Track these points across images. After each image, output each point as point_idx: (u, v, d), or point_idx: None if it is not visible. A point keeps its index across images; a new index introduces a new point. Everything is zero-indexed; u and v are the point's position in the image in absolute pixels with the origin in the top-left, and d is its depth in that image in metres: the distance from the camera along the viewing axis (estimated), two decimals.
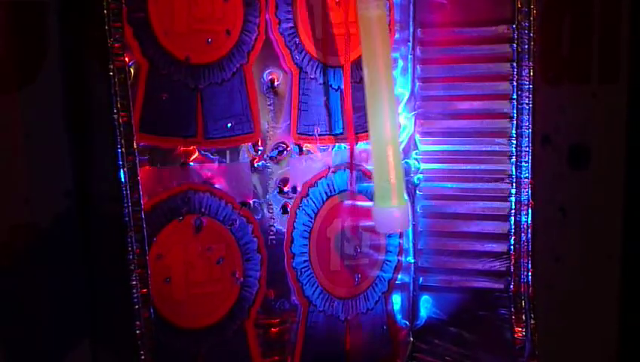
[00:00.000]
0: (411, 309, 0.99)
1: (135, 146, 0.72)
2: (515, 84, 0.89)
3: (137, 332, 0.73)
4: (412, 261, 0.99)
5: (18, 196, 0.83)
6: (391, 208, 0.84)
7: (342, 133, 0.92)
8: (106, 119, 0.72)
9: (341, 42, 0.90)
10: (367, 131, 0.92)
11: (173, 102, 0.81)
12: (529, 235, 0.90)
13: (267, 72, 0.87)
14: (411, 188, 0.97)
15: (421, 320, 0.99)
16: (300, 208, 0.90)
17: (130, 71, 0.77)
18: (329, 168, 0.92)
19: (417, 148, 0.97)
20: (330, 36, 0.89)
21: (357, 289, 0.95)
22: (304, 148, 0.90)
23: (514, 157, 0.90)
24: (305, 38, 0.88)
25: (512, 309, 0.91)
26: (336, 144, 0.92)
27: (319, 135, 0.90)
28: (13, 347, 0.84)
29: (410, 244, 0.98)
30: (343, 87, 0.91)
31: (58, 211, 0.85)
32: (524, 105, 0.89)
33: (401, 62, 0.96)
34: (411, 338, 0.99)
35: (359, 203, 0.94)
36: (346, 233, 0.93)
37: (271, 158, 0.88)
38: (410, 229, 0.98)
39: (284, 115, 0.88)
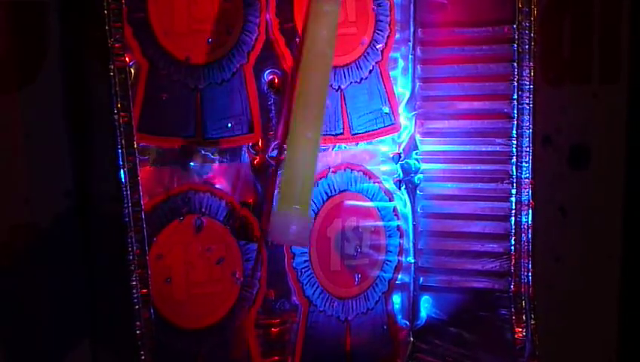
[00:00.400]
0: (411, 309, 0.99)
1: (135, 146, 0.72)
2: (515, 84, 0.89)
3: (137, 332, 0.73)
4: (412, 261, 0.99)
5: (18, 196, 0.83)
6: (289, 215, 0.76)
7: (342, 133, 0.92)
8: (106, 119, 0.72)
9: (341, 42, 0.89)
10: (368, 131, 0.93)
11: (173, 103, 0.81)
12: (529, 235, 0.90)
13: (267, 72, 0.87)
14: (412, 188, 0.97)
15: (421, 321, 0.99)
16: None
17: (130, 71, 0.77)
18: (329, 168, 0.92)
19: (418, 149, 0.97)
20: None
21: (357, 289, 0.95)
22: None
23: (514, 157, 0.90)
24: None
25: (513, 309, 0.91)
26: (337, 144, 0.92)
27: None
28: (13, 347, 0.84)
29: (411, 244, 0.98)
30: (342, 87, 0.91)
31: (58, 211, 0.85)
32: (525, 106, 0.89)
33: (401, 63, 0.96)
34: (411, 339, 0.99)
35: (359, 203, 0.94)
36: (347, 233, 0.93)
37: (271, 158, 0.88)
38: (410, 229, 0.98)
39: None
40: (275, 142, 0.88)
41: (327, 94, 0.88)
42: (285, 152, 0.78)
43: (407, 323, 0.99)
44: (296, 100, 0.79)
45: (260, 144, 0.87)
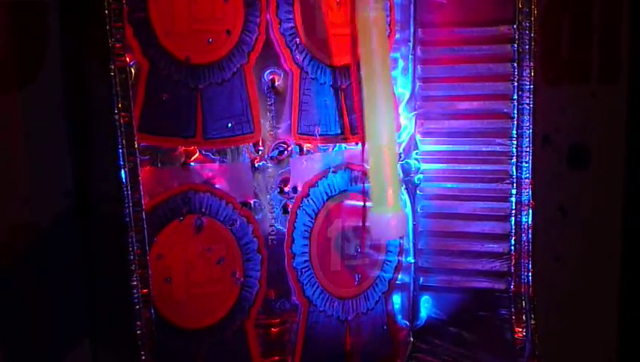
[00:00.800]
0: (411, 309, 0.99)
1: (136, 146, 0.72)
2: (515, 84, 0.89)
3: (138, 332, 0.73)
4: (412, 261, 0.99)
5: (18, 196, 0.83)
6: (386, 215, 0.84)
7: (342, 133, 0.92)
8: (106, 119, 0.72)
9: (341, 42, 0.90)
10: None
11: (174, 103, 0.81)
12: (529, 235, 0.91)
13: (268, 72, 0.87)
14: (412, 188, 0.97)
15: (421, 320, 0.99)
16: (301, 208, 0.90)
17: (130, 71, 0.77)
18: (329, 168, 0.92)
19: (418, 149, 0.97)
20: (331, 36, 0.89)
21: (357, 289, 0.95)
22: (305, 148, 0.90)
23: (514, 157, 0.90)
24: (305, 38, 0.88)
25: (513, 309, 0.91)
26: (337, 144, 0.92)
27: (320, 135, 0.90)
28: (13, 347, 0.84)
29: (411, 244, 0.98)
30: (343, 86, 0.91)
31: (58, 211, 0.85)
32: (525, 106, 0.89)
33: (401, 63, 0.96)
34: (411, 339, 1.00)
35: (359, 203, 0.94)
36: (347, 233, 0.93)
37: (271, 158, 0.88)
38: (410, 229, 0.98)
39: (285, 115, 0.88)
40: (276, 142, 0.88)
41: (329, 94, 0.90)
42: (368, 162, 0.86)
43: (407, 323, 0.99)
44: (366, 111, 0.85)
45: (260, 144, 0.87)
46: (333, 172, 0.92)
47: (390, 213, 0.84)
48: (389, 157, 0.84)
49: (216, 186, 0.85)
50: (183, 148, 0.82)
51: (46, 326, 0.85)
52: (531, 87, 0.89)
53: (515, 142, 0.90)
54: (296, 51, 0.87)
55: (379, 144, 0.84)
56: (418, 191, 0.98)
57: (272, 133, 0.87)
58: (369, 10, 0.82)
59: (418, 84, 0.96)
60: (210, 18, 0.82)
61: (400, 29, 0.95)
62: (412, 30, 0.96)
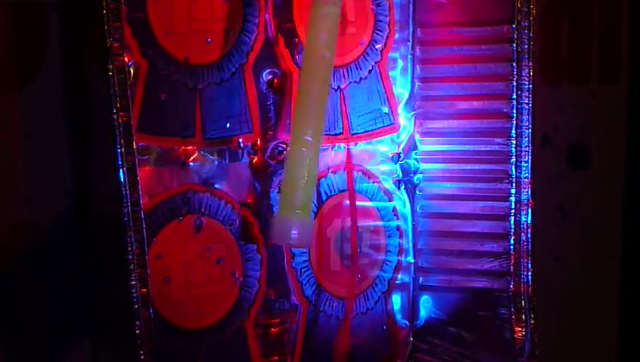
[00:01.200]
0: (411, 309, 0.99)
1: (135, 146, 0.72)
2: (514, 84, 0.89)
3: (137, 332, 0.73)
4: (412, 261, 0.99)
5: (18, 196, 0.83)
6: (290, 218, 0.78)
7: (342, 133, 0.92)
8: (105, 119, 0.72)
9: (340, 42, 0.89)
10: (367, 131, 0.93)
11: (173, 102, 0.81)
12: (529, 235, 0.90)
13: (267, 72, 0.87)
14: (411, 188, 0.97)
15: (421, 320, 0.99)
16: None
17: (129, 71, 0.77)
18: (329, 168, 0.92)
19: (417, 148, 0.97)
20: None
21: (357, 289, 0.95)
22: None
23: (513, 157, 0.90)
24: (304, 38, 0.88)
25: (512, 309, 0.91)
26: (336, 144, 0.92)
27: None
28: (13, 347, 0.84)
29: (410, 244, 0.98)
30: (342, 86, 0.91)
31: (58, 211, 0.85)
32: (524, 105, 0.89)
33: (400, 62, 0.96)
34: (411, 338, 0.99)
35: (360, 203, 0.94)
36: (346, 233, 0.93)
37: (270, 158, 0.88)
38: (410, 229, 0.98)
39: (284, 115, 0.88)
40: (275, 142, 0.88)
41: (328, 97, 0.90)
42: (287, 156, 0.80)
43: (407, 322, 0.99)
44: (296, 104, 0.80)
45: (258, 144, 0.87)
46: (332, 172, 0.92)
47: (296, 218, 0.78)
48: (309, 159, 0.79)
49: (216, 186, 0.85)
50: (182, 148, 0.82)
51: (46, 326, 0.85)
52: (530, 86, 0.89)
53: (514, 142, 0.90)
54: (295, 51, 0.87)
55: (300, 143, 0.79)
56: (417, 191, 0.98)
57: (270, 133, 0.87)
58: (325, 6, 0.79)
59: (417, 83, 0.96)
60: (209, 18, 0.82)
61: (399, 29, 0.95)
62: (411, 30, 0.96)
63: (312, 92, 0.79)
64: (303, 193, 0.78)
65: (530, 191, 0.90)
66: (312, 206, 0.81)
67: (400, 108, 0.96)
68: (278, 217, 0.79)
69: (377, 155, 0.96)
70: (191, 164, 0.83)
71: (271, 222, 0.81)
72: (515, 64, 0.89)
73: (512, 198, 0.91)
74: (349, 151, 0.92)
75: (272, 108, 0.87)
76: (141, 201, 0.73)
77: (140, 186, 0.73)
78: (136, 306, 0.73)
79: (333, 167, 0.92)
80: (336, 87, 0.91)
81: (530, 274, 0.91)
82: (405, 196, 0.97)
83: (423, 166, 0.97)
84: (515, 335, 0.90)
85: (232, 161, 0.86)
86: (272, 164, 0.88)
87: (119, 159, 0.71)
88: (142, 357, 0.73)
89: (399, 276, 0.98)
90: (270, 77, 0.87)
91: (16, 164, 0.83)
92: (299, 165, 0.78)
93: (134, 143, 0.72)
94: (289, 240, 0.78)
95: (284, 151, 0.88)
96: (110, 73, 0.70)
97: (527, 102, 0.89)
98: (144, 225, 0.73)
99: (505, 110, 0.90)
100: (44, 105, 0.84)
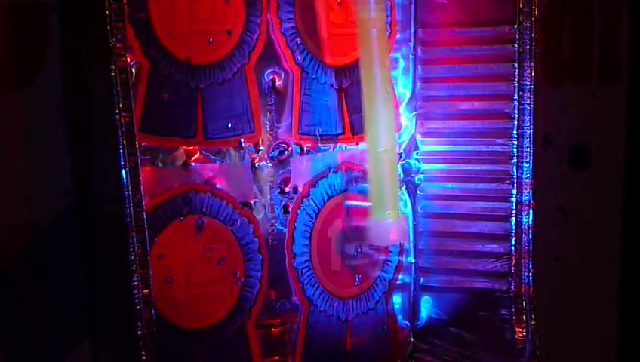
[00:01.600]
0: (412, 309, 0.99)
1: (137, 146, 0.72)
2: (516, 84, 0.89)
3: (138, 332, 0.73)
4: (413, 261, 0.99)
5: (18, 196, 0.83)
6: (387, 220, 0.84)
7: (343, 133, 0.92)
8: (107, 119, 0.72)
9: (342, 42, 0.90)
10: None
11: (174, 103, 0.81)
12: (530, 236, 0.91)
13: (268, 72, 0.87)
14: (412, 189, 0.97)
15: (422, 321, 0.99)
16: (301, 208, 0.90)
17: (131, 71, 0.77)
18: (330, 168, 0.92)
19: (418, 149, 0.97)
20: (332, 36, 0.89)
21: (358, 289, 0.95)
22: (305, 148, 0.90)
23: (515, 157, 0.90)
24: (306, 38, 0.88)
25: (513, 309, 0.91)
26: (338, 144, 0.92)
27: (320, 135, 0.90)
28: (13, 347, 0.84)
29: (411, 244, 0.98)
30: (343, 86, 0.91)
31: (58, 211, 0.85)
32: (525, 106, 0.89)
33: (402, 63, 0.96)
34: (412, 339, 1.00)
35: (360, 203, 0.94)
36: (347, 233, 0.93)
37: (272, 158, 0.88)
38: (411, 229, 0.98)
39: (286, 115, 0.88)
40: (276, 143, 0.87)
41: (329, 94, 0.90)
42: (367, 167, 0.87)
43: (408, 323, 0.99)
44: (366, 114, 0.85)
45: (260, 144, 0.87)
46: (333, 172, 0.92)
47: (390, 218, 0.85)
48: (389, 162, 0.84)
49: (217, 186, 0.84)
50: (184, 148, 0.82)
51: (46, 326, 0.85)
52: (532, 87, 0.89)
53: (515, 143, 0.90)
54: (297, 51, 0.87)
55: (378, 148, 0.84)
56: (418, 192, 0.98)
57: (272, 133, 0.87)
58: (369, 11, 0.82)
59: (419, 84, 0.96)
60: (211, 18, 0.82)
61: (401, 29, 0.95)
62: (413, 30, 0.96)
63: (378, 100, 0.84)
64: (389, 195, 0.85)
65: (531, 192, 0.90)
66: (399, 204, 0.87)
67: (401, 109, 0.96)
68: (373, 222, 0.86)
69: None
70: (192, 164, 0.83)
71: (369, 228, 0.86)
72: (516, 64, 0.89)
73: (514, 199, 0.91)
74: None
75: (273, 108, 0.87)
76: (143, 202, 0.73)
77: (141, 186, 0.72)
78: (138, 307, 0.73)
79: (334, 167, 0.92)
80: (337, 87, 0.91)
81: (531, 274, 0.91)
82: (406, 196, 0.97)
83: (424, 166, 0.97)
84: (516, 336, 0.91)
85: (234, 161, 0.85)
86: (274, 164, 0.88)
87: (122, 159, 0.71)
88: (143, 357, 0.73)
89: (400, 276, 0.98)
90: (272, 77, 0.87)
91: (17, 164, 0.82)
92: (380, 171, 0.85)
93: (137, 143, 0.71)
94: (389, 241, 0.88)
95: (286, 152, 0.88)
96: (112, 73, 0.70)
97: (528, 102, 0.89)
98: (146, 226, 0.73)
99: (506, 110, 0.90)
100: (44, 105, 0.83)
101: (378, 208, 0.85)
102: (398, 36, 0.95)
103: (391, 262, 0.97)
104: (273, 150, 0.88)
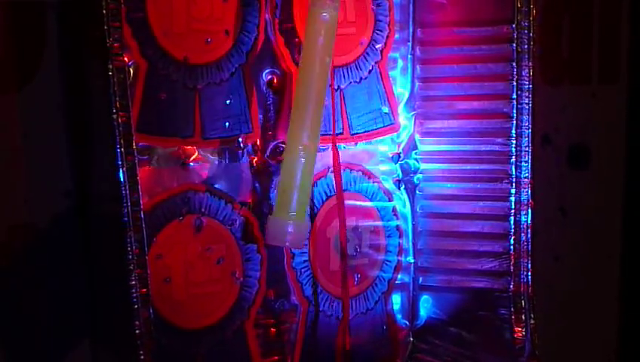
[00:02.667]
0: (411, 309, 0.99)
1: (134, 146, 0.72)
2: (514, 84, 0.89)
3: (137, 332, 0.73)
4: (412, 261, 0.99)
5: (17, 196, 0.83)
6: (286, 221, 0.80)
7: (341, 133, 0.92)
8: (105, 119, 0.72)
9: (340, 42, 0.90)
10: (368, 131, 0.93)
11: (172, 102, 0.81)
12: (529, 235, 0.90)
13: (266, 72, 0.87)
14: (411, 188, 0.97)
15: (421, 320, 0.99)
16: None
17: (129, 71, 0.77)
18: (328, 168, 0.92)
19: (417, 148, 0.97)
20: None
21: (357, 289, 0.95)
22: None
23: (514, 157, 0.90)
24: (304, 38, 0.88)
25: (512, 309, 0.91)
26: (336, 144, 0.92)
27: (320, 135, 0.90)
28: (13, 347, 0.84)
29: (410, 244, 0.98)
30: (342, 87, 0.91)
31: (57, 211, 0.85)
32: (524, 105, 0.89)
33: (400, 62, 0.96)
34: (411, 338, 0.99)
35: (359, 203, 0.94)
36: (346, 233, 0.93)
37: (270, 158, 0.88)
38: (410, 229, 0.98)
39: (284, 115, 0.88)
40: (274, 142, 0.88)
41: (328, 94, 0.90)
42: (283, 159, 0.81)
43: (407, 322, 0.99)
44: (294, 108, 0.81)
45: (258, 144, 0.87)
46: (332, 172, 0.92)
47: (290, 220, 0.80)
48: (305, 163, 0.80)
49: (216, 186, 0.85)
50: (182, 148, 0.82)
51: (46, 326, 0.85)
52: (530, 86, 0.89)
53: (514, 142, 0.90)
54: (295, 51, 0.87)
55: (296, 146, 0.80)
56: (417, 191, 0.98)
57: (270, 132, 0.87)
58: (324, 9, 0.80)
59: (417, 83, 0.96)
60: (209, 18, 0.82)
61: (399, 29, 0.95)
62: (411, 30, 0.96)
63: (309, 96, 0.80)
64: (298, 196, 0.79)
65: (530, 191, 0.90)
66: (307, 209, 0.82)
67: (400, 108, 0.96)
68: (272, 220, 0.81)
69: (377, 155, 0.96)
70: (191, 163, 0.83)
71: (266, 223, 0.82)
72: (515, 64, 0.89)
73: (512, 198, 0.91)
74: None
75: (271, 108, 0.87)
76: (141, 201, 0.73)
77: (140, 186, 0.73)
78: (136, 306, 0.73)
79: (332, 167, 0.92)
80: (336, 87, 0.91)
81: (530, 274, 0.91)
82: (405, 196, 0.97)
83: (423, 166, 0.97)
84: (515, 335, 0.90)
85: (232, 160, 0.86)
86: (272, 163, 0.88)
87: (119, 159, 0.71)
88: (142, 357, 0.73)
89: (399, 276, 0.98)
90: (270, 77, 0.87)
91: (15, 164, 0.83)
92: (295, 169, 0.79)
93: (134, 143, 0.72)
94: (283, 242, 0.81)
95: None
96: (110, 73, 0.70)
97: (527, 102, 0.89)
98: (144, 225, 0.73)
99: (505, 110, 0.90)
100: (42, 105, 0.83)
101: (282, 207, 0.80)
102: (396, 36, 0.95)
103: (390, 261, 0.97)
104: (271, 150, 0.88)
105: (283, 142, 0.88)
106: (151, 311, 0.74)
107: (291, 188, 0.80)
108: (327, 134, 0.90)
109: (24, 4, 0.81)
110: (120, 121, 0.71)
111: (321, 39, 0.79)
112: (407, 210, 0.98)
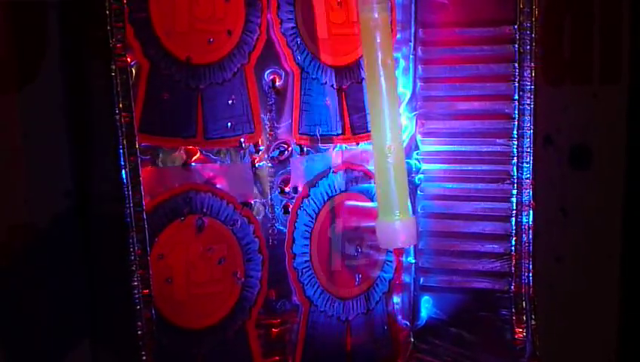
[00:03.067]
0: (412, 309, 0.99)
1: (137, 146, 0.72)
2: (516, 84, 0.89)
3: (139, 332, 0.73)
4: (413, 261, 0.99)
5: (17, 196, 0.83)
6: (394, 223, 0.83)
7: (343, 133, 0.91)
8: (107, 119, 0.72)
9: (342, 42, 0.90)
10: (368, 131, 0.92)
11: (174, 103, 0.81)
12: (530, 236, 0.90)
13: (268, 71, 0.87)
14: (412, 189, 0.97)
15: (422, 321, 0.99)
16: (301, 208, 0.90)
17: (131, 71, 0.77)
18: (330, 168, 0.92)
19: (418, 149, 0.97)
20: (332, 36, 0.89)
21: (358, 289, 0.95)
22: (305, 149, 0.90)
23: (515, 157, 0.90)
24: (306, 38, 0.88)
25: (513, 310, 0.91)
26: (338, 144, 0.92)
27: (321, 135, 0.90)
28: (13, 347, 0.84)
29: None
30: (343, 87, 0.91)
31: (58, 211, 0.85)
32: (526, 106, 0.89)
33: (402, 63, 0.96)
34: (412, 339, 0.99)
35: (361, 203, 0.94)
36: (347, 233, 0.93)
37: (272, 158, 0.88)
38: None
39: (286, 115, 0.88)
40: (276, 143, 0.87)
41: (329, 94, 0.90)
42: (373, 168, 0.87)
43: (408, 323, 0.99)
44: (371, 116, 0.85)
45: (260, 144, 0.87)
46: (333, 172, 0.92)
47: (398, 220, 0.84)
48: (396, 162, 0.84)
49: (217, 186, 0.84)
50: (184, 148, 0.82)
51: (46, 326, 0.85)
52: (532, 87, 0.89)
53: (515, 143, 0.90)
54: (297, 51, 0.87)
55: (382, 149, 0.84)
56: (419, 192, 0.98)
57: (272, 133, 0.87)
58: (372, 11, 0.82)
59: (419, 84, 0.96)
60: (211, 18, 0.82)
61: (401, 29, 0.95)
62: (413, 30, 0.95)
63: (382, 99, 0.83)
64: (397, 196, 0.83)
65: (531, 192, 0.90)
66: (409, 204, 0.86)
67: (401, 109, 0.96)
68: (380, 225, 0.84)
69: None
70: (193, 164, 0.83)
71: (377, 230, 0.85)
72: (517, 65, 0.89)
73: (514, 199, 0.91)
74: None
75: (273, 108, 0.87)
76: (143, 202, 0.73)
77: (142, 186, 0.72)
78: (138, 307, 0.73)
79: (334, 167, 0.92)
80: (337, 88, 0.91)
81: (531, 274, 0.91)
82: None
83: (424, 166, 0.97)
84: (516, 336, 0.90)
85: (234, 161, 0.85)
86: (274, 164, 0.88)
87: (122, 159, 0.71)
88: (143, 357, 0.73)
89: (400, 276, 0.98)
90: (272, 77, 0.87)
91: (16, 164, 0.82)
92: (387, 171, 0.83)
93: (137, 144, 0.71)
94: (397, 245, 0.86)
95: (286, 152, 0.88)
96: (113, 73, 0.70)
97: (528, 102, 0.89)
98: (146, 226, 0.73)
99: (507, 111, 0.90)
100: (43, 105, 0.83)
101: (386, 210, 0.84)
102: (398, 36, 0.95)
103: (391, 262, 0.97)
104: (273, 150, 0.88)
105: (285, 142, 0.88)
106: (153, 311, 0.74)
107: (388, 189, 0.84)
108: (328, 134, 0.91)
109: (25, 4, 0.81)
110: (123, 121, 0.70)
111: (377, 41, 0.82)
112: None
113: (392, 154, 0.83)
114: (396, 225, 0.83)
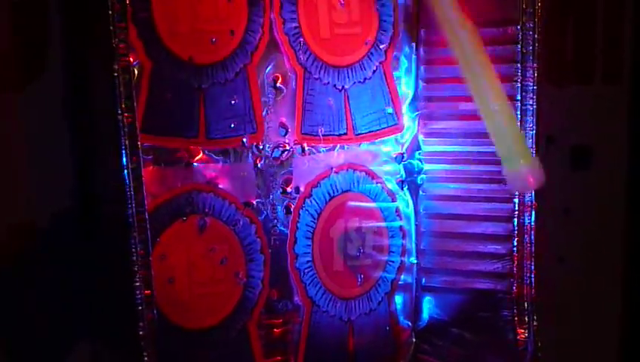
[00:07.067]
0: (414, 310, 0.99)
1: (139, 147, 0.72)
2: (519, 85, 0.89)
3: (141, 333, 0.73)
4: (415, 262, 0.98)
5: (19, 196, 0.83)
6: (520, 169, 0.83)
7: (345, 134, 0.91)
8: (109, 119, 0.71)
9: (345, 42, 0.90)
10: (372, 131, 0.93)
11: (177, 103, 0.81)
12: (532, 236, 0.90)
13: (271, 71, 0.87)
14: (414, 189, 0.97)
15: (424, 321, 0.99)
16: (303, 208, 0.90)
17: (133, 71, 0.77)
18: (332, 169, 0.92)
19: (421, 149, 0.97)
20: (335, 36, 0.89)
21: (360, 289, 0.95)
22: (307, 149, 0.90)
23: None
24: (309, 38, 0.88)
25: (515, 310, 0.91)
26: (340, 144, 0.92)
27: (323, 135, 0.90)
28: (13, 347, 0.84)
29: (413, 245, 0.98)
30: (346, 87, 0.91)
31: (59, 211, 0.85)
32: (528, 107, 0.89)
33: (405, 63, 0.96)
34: (414, 339, 0.99)
35: (363, 203, 0.94)
36: (350, 233, 0.93)
37: (274, 159, 0.88)
38: (413, 230, 0.98)
39: (288, 115, 0.88)
40: (278, 143, 0.87)
41: (332, 95, 0.89)
42: (486, 125, 0.85)
43: (410, 323, 0.99)
44: (470, 84, 0.84)
45: (262, 144, 0.86)
46: (335, 172, 0.92)
47: (522, 165, 0.83)
48: (504, 116, 0.83)
49: (220, 186, 0.84)
50: (186, 148, 0.82)
51: (46, 326, 0.85)
52: (535, 87, 0.88)
53: None
54: (300, 51, 0.87)
55: (487, 107, 0.83)
56: (421, 192, 0.97)
57: (274, 133, 0.87)
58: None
59: (421, 84, 0.96)
60: (214, 18, 0.82)
61: (403, 30, 0.95)
62: (415, 30, 0.95)
63: (474, 67, 0.83)
64: (515, 144, 0.83)
65: (533, 193, 0.90)
66: (528, 147, 0.87)
67: (404, 109, 0.96)
68: (510, 174, 0.84)
69: (381, 156, 0.96)
70: (195, 164, 0.83)
71: (507, 180, 0.85)
72: (519, 65, 0.89)
73: (516, 200, 0.90)
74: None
75: (276, 108, 0.87)
76: (145, 202, 0.72)
77: (144, 187, 0.72)
78: (140, 308, 0.73)
79: (336, 167, 0.92)
80: (340, 87, 0.91)
81: (533, 275, 0.90)
82: (408, 196, 0.97)
83: (426, 166, 0.97)
84: (518, 337, 0.90)
85: (236, 161, 0.85)
86: (276, 164, 0.88)
87: (124, 159, 0.71)
88: (145, 358, 0.73)
89: (402, 277, 0.98)
90: (274, 77, 0.87)
91: (18, 164, 0.82)
92: (498, 124, 0.83)
93: (139, 144, 0.71)
94: (531, 188, 0.87)
95: (288, 151, 0.88)
96: (115, 73, 0.70)
97: (531, 103, 0.89)
98: (148, 226, 0.73)
99: None
100: (46, 104, 0.83)
101: (509, 161, 0.84)
102: (400, 36, 0.94)
103: (393, 262, 0.97)
104: (275, 150, 0.87)
105: (287, 143, 0.88)
106: (155, 312, 0.74)
107: (505, 140, 0.83)
108: (331, 134, 0.91)
109: (28, 4, 0.81)
110: (125, 121, 0.71)
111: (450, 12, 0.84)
112: (411, 210, 0.98)
113: (498, 107, 0.83)
114: (522, 172, 0.83)
